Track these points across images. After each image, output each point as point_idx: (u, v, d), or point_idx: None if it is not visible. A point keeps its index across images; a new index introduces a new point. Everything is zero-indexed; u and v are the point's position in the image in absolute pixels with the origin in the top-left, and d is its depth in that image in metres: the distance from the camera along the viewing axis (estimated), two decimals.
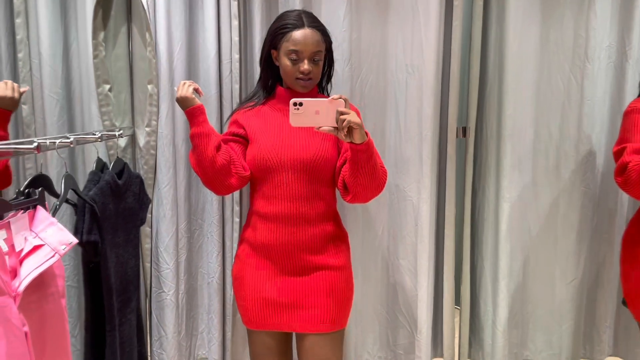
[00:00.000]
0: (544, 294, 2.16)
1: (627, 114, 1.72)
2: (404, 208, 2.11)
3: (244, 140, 1.68)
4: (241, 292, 1.68)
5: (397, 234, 2.14)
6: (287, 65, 1.60)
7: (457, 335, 2.22)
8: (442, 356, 2.20)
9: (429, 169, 2.06)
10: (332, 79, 1.79)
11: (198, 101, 1.60)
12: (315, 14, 1.71)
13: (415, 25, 2.01)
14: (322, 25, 1.64)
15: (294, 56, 1.58)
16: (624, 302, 1.82)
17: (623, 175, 1.61)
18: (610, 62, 2.06)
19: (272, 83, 1.72)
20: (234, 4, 1.93)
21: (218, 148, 1.59)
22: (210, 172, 1.59)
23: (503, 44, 2.04)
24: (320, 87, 1.76)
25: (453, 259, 2.14)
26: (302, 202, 1.59)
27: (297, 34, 1.56)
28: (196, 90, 1.63)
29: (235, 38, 1.95)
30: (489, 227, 2.15)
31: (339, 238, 1.69)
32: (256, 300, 1.63)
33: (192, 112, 1.59)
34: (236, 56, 1.96)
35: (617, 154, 1.68)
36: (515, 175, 2.08)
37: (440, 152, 2.12)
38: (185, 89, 1.60)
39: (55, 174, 1.89)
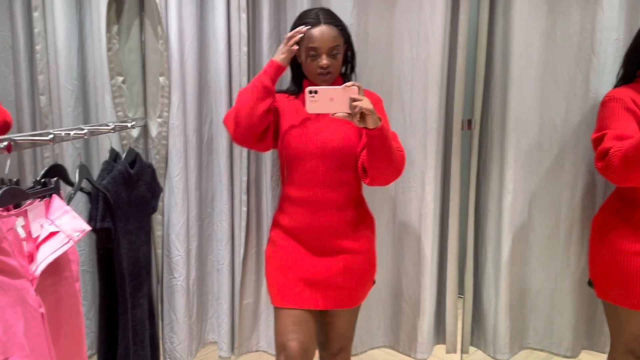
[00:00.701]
0: (546, 284, 2.19)
1: (605, 102, 1.75)
2: (409, 199, 2.15)
3: (276, 115, 1.75)
4: (273, 272, 1.76)
5: (401, 224, 2.18)
6: (307, 62, 1.68)
7: (460, 323, 2.27)
8: (444, 343, 2.25)
9: (433, 161, 2.09)
10: None
11: (285, 63, 1.68)
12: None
13: (422, 18, 2.03)
14: (338, 20, 1.70)
15: (312, 52, 1.65)
16: (590, 283, 1.87)
17: (604, 161, 1.62)
18: (617, 55, 2.05)
19: (300, 80, 1.80)
20: None
21: (267, 111, 1.67)
22: (248, 120, 1.66)
23: (509, 37, 2.05)
24: (345, 78, 1.81)
25: (457, 249, 2.18)
26: (329, 188, 1.68)
27: (314, 31, 1.64)
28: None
29: (244, 31, 1.98)
30: (492, 218, 2.18)
31: (364, 222, 1.78)
32: (288, 278, 1.72)
33: (273, 64, 1.68)
34: (244, 49, 1.99)
35: (597, 141, 1.70)
36: (519, 167, 2.10)
37: (445, 144, 2.15)
38: (290, 43, 1.66)
39: (70, 162, 1.95)
